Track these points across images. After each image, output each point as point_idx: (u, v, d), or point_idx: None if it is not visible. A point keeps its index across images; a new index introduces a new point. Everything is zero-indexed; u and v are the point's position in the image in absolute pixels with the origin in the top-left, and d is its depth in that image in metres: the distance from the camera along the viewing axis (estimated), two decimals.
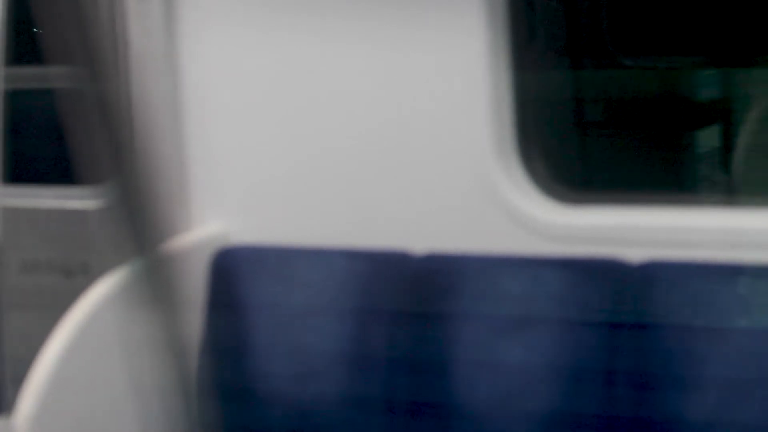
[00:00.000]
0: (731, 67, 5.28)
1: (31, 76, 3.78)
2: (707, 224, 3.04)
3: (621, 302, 2.95)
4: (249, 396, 3.26)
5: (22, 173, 3.90)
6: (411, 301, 3.15)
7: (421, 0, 3.21)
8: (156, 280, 2.15)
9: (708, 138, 5.52)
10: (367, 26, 3.27)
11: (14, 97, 3.68)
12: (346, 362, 3.17)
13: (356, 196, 3.34)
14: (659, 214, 3.10)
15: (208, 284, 3.34)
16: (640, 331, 2.91)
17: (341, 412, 3.17)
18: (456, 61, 3.18)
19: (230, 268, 3.34)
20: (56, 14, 1.82)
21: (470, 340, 3.06)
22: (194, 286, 3.29)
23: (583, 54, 5.41)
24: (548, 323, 3.00)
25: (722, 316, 2.86)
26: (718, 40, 5.13)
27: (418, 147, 3.27)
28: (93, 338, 2.98)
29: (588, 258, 3.02)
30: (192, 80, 3.46)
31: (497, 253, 3.11)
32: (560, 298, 3.00)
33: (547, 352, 2.98)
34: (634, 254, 2.98)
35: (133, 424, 2.92)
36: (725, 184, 4.87)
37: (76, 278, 3.77)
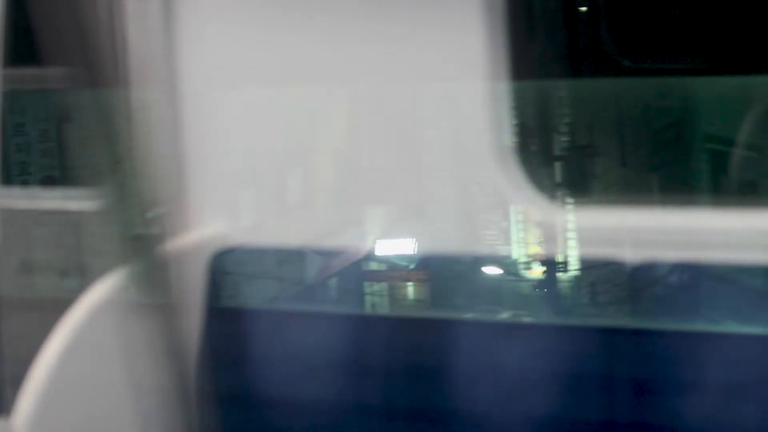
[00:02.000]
0: None
1: (30, 77, 3.78)
2: (704, 225, 3.04)
3: (619, 303, 2.95)
4: (247, 398, 3.26)
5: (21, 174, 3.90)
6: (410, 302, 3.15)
7: (421, 1, 3.21)
8: (154, 282, 2.15)
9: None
10: (366, 27, 3.27)
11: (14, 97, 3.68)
12: (345, 364, 3.17)
13: (355, 197, 3.34)
14: (656, 215, 3.10)
15: (206, 286, 3.33)
16: (638, 331, 2.91)
17: (340, 415, 3.17)
18: (455, 62, 3.18)
19: (229, 270, 3.34)
20: (55, 15, 1.82)
21: (470, 341, 3.06)
22: (192, 288, 3.29)
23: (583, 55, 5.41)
24: (547, 325, 3.00)
25: (719, 316, 2.86)
26: None
27: (416, 148, 3.27)
28: (92, 339, 2.98)
29: (585, 259, 3.02)
30: (191, 81, 3.46)
31: (495, 255, 3.11)
32: (558, 298, 3.00)
33: (546, 354, 2.98)
34: (632, 255, 2.98)
35: (131, 425, 2.92)
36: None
37: (75, 279, 3.77)
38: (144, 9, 3.41)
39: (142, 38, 3.41)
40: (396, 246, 3.28)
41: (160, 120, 3.43)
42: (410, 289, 3.27)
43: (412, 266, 3.24)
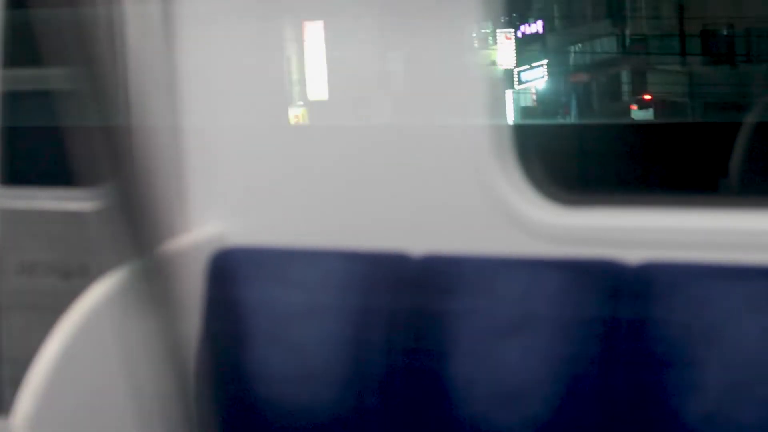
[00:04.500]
0: None
1: (30, 77, 3.78)
2: (705, 225, 3.05)
3: (618, 303, 2.95)
4: (247, 397, 3.26)
5: (21, 174, 3.90)
6: (409, 302, 3.15)
7: (420, 0, 3.21)
8: (154, 282, 2.15)
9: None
10: (365, 27, 3.28)
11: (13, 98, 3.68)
12: (344, 363, 3.17)
13: (354, 197, 3.34)
14: (656, 216, 3.10)
15: (205, 286, 3.34)
16: (638, 332, 2.91)
17: (339, 414, 3.17)
18: (453, 61, 3.18)
19: (228, 270, 3.34)
20: (54, 15, 1.82)
21: (468, 341, 3.06)
22: (192, 288, 3.29)
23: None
24: (546, 325, 3.00)
25: (719, 317, 2.87)
26: None
27: (416, 148, 3.27)
28: (91, 339, 2.98)
29: (585, 259, 3.02)
30: (190, 81, 3.46)
31: (495, 255, 3.12)
32: (557, 299, 3.00)
33: (544, 353, 2.99)
34: (632, 255, 2.99)
35: (131, 424, 2.92)
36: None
37: (75, 279, 3.77)
38: (143, 10, 3.42)
39: (141, 39, 3.41)
40: None
41: (158, 121, 3.43)
42: None
43: None
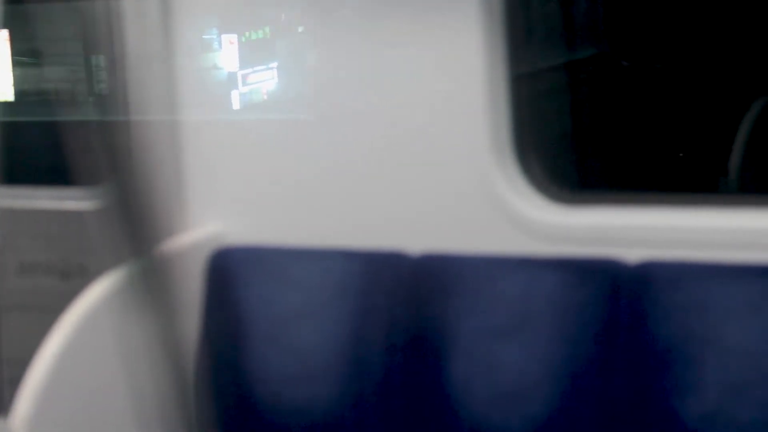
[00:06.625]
0: None
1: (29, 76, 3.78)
2: (704, 224, 3.05)
3: (618, 302, 2.95)
4: (246, 397, 3.26)
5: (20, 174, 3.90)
6: (407, 301, 3.15)
7: (419, 0, 3.21)
8: (153, 281, 2.15)
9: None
10: (364, 26, 3.28)
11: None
12: (343, 363, 3.17)
13: (353, 196, 3.34)
14: (656, 215, 3.10)
15: (204, 285, 3.34)
16: (637, 331, 2.91)
17: (338, 413, 3.17)
18: (453, 61, 3.18)
19: (227, 269, 3.34)
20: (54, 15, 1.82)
21: (467, 340, 3.06)
22: (191, 287, 3.29)
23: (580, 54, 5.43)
24: (545, 324, 3.00)
25: (719, 316, 2.87)
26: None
27: (415, 147, 3.27)
28: (90, 339, 2.98)
29: (585, 258, 3.02)
30: (189, 81, 3.46)
31: (494, 254, 3.11)
32: (557, 298, 3.00)
33: (543, 352, 2.98)
34: (631, 254, 2.99)
35: (130, 424, 2.92)
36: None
37: (74, 279, 3.77)
38: (142, 9, 3.42)
39: (139, 38, 3.41)
40: None
41: (157, 120, 3.43)
42: None
43: None
